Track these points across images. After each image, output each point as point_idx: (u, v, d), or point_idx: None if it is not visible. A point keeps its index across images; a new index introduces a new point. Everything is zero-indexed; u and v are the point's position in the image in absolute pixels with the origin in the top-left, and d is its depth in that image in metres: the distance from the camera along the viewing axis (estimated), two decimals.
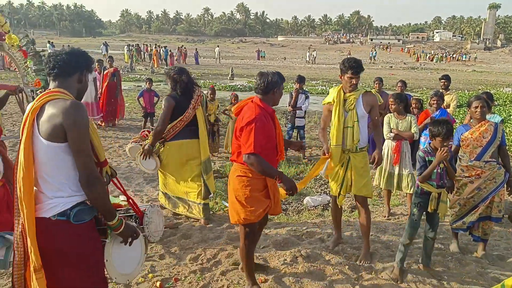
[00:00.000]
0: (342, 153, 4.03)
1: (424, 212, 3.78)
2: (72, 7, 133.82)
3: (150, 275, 3.60)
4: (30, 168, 2.07)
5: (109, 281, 2.45)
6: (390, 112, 5.41)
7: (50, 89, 2.17)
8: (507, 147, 4.34)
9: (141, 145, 4.82)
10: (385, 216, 5.35)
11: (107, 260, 2.28)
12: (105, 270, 2.30)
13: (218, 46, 45.62)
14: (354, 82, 3.94)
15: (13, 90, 4.25)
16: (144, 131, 5.29)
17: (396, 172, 5.23)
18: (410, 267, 3.92)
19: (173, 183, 4.89)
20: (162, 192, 5.07)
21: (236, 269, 3.78)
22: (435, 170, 3.63)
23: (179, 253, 4.06)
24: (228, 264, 3.86)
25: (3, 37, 4.79)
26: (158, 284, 3.44)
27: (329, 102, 4.11)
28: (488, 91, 5.73)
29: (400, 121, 5.27)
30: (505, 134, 10.53)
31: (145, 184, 6.18)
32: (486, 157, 4.07)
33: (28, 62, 5.36)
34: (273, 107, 3.35)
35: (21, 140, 2.10)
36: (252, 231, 3.36)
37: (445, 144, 3.61)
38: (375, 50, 54.03)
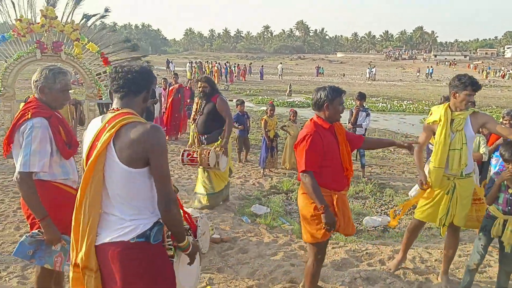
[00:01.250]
0: (446, 180, 3.68)
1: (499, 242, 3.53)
2: (140, 27, 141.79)
3: (209, 287, 3.65)
4: (99, 191, 2.05)
5: None
6: None
7: (118, 109, 2.12)
8: None
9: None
10: None
11: (176, 278, 2.29)
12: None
13: (281, 63, 46.62)
14: (472, 100, 3.66)
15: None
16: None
17: None
18: None
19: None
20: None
21: (293, 287, 3.74)
22: (503, 194, 3.40)
23: (237, 267, 4.09)
24: (285, 282, 3.83)
25: (61, 48, 4.56)
26: None
27: (435, 121, 3.73)
28: None
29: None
30: None
31: None
32: None
33: (108, 70, 5.11)
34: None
35: (88, 164, 2.05)
36: (320, 251, 3.28)
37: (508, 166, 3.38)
38: (432, 67, 51.80)
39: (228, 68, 35.96)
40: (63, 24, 4.51)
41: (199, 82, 5.68)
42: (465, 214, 3.73)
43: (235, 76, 36.26)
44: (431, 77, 47.43)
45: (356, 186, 7.20)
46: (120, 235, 2.04)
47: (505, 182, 3.40)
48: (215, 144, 5.53)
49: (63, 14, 4.86)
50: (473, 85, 3.56)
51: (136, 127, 2.02)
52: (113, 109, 2.15)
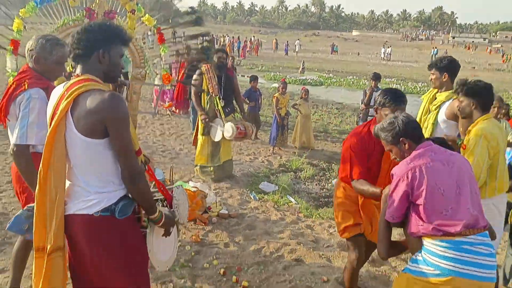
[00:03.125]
0: None
1: (510, 226, 3.52)
2: None
3: (215, 261, 3.70)
4: (62, 161, 1.96)
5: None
6: None
7: (79, 75, 2.00)
8: None
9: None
10: None
11: (149, 250, 2.25)
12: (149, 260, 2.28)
13: (298, 39, 46.41)
14: (431, 78, 3.74)
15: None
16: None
17: None
18: None
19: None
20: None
21: (298, 265, 3.77)
22: None
23: (243, 243, 4.13)
24: (291, 259, 3.86)
25: (113, 19, 3.78)
26: (222, 271, 3.53)
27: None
28: None
29: None
30: None
31: None
32: None
33: (162, 50, 4.31)
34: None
35: (48, 133, 1.95)
36: (355, 247, 3.09)
37: None
38: (436, 48, 50.44)
39: (241, 42, 35.52)
40: None
41: (219, 52, 5.77)
42: None
43: (248, 51, 35.85)
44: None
45: None
46: (85, 207, 1.97)
47: None
48: (234, 115, 5.79)
49: None
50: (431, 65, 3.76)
51: (94, 95, 1.90)
52: (75, 75, 2.03)
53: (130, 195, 2.07)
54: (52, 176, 1.95)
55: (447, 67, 3.65)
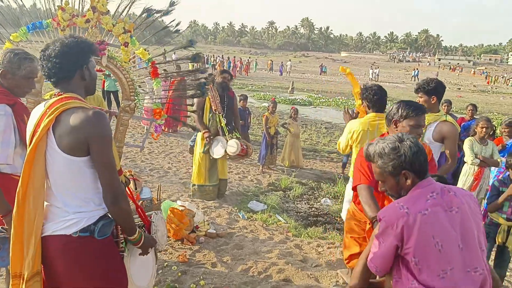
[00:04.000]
0: None
1: (497, 247, 3.55)
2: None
3: (202, 281, 3.64)
4: (41, 181, 1.91)
5: None
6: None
7: (61, 94, 1.95)
8: None
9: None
10: None
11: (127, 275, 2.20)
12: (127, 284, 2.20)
13: (290, 60, 47.37)
14: (419, 101, 3.71)
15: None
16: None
17: None
18: None
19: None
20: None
21: (286, 285, 3.72)
22: (508, 203, 3.41)
23: (231, 263, 4.07)
24: (279, 279, 3.82)
25: (104, 51, 3.67)
26: None
27: None
28: None
29: (484, 147, 4.99)
30: None
31: None
32: None
33: (154, 85, 4.21)
34: None
35: (28, 152, 1.90)
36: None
37: None
38: (417, 69, 51.46)
39: (231, 62, 35.86)
40: (113, 22, 3.71)
41: (224, 74, 5.97)
42: None
43: (238, 70, 36.16)
44: (418, 79, 47.07)
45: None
46: (63, 227, 1.91)
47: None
48: (233, 134, 5.74)
49: (118, 5, 3.82)
50: (419, 88, 3.75)
51: (77, 112, 1.86)
52: (57, 93, 1.98)
53: (110, 215, 2.02)
54: (32, 196, 1.89)
55: (435, 90, 3.71)
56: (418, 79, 46.83)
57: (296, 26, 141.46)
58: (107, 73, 11.54)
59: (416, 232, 1.70)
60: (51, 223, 1.93)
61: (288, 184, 7.06)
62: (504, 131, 5.39)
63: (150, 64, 4.01)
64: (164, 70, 4.73)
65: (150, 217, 2.52)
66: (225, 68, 34.27)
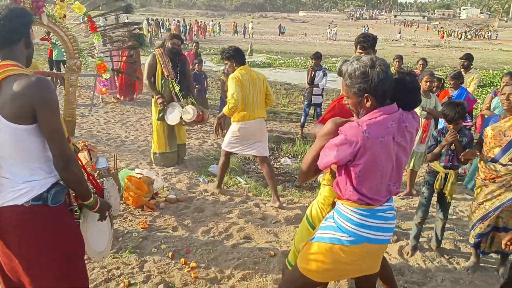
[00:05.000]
0: None
1: (437, 193, 3.78)
2: None
3: (163, 245, 3.69)
4: None
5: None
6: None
7: (1, 63, 1.89)
8: None
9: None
10: (400, 196, 5.29)
11: (85, 241, 2.21)
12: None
13: (251, 22, 46.97)
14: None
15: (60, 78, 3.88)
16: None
17: (422, 150, 5.14)
18: (422, 247, 3.93)
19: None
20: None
21: (247, 243, 3.84)
22: (445, 152, 3.62)
23: (192, 226, 4.14)
24: (239, 237, 3.93)
25: (42, 9, 3.58)
26: (170, 254, 3.54)
27: None
28: None
29: (428, 99, 5.19)
30: None
31: None
32: (505, 159, 3.25)
33: (94, 38, 4.19)
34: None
35: None
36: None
37: (455, 126, 3.58)
38: (367, 26, 52.10)
39: (188, 25, 34.89)
40: None
41: (174, 39, 5.73)
42: None
43: (194, 34, 35.27)
44: None
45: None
46: (13, 197, 1.87)
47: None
48: (188, 100, 5.63)
49: None
50: (360, 43, 3.46)
51: (20, 79, 1.81)
52: None
53: (62, 182, 2.00)
54: None
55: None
56: None
57: None
58: (55, 41, 10.99)
59: (369, 153, 1.95)
60: (1, 195, 1.89)
61: None
62: (450, 83, 5.62)
63: (87, 18, 3.95)
64: (110, 37, 4.62)
65: (102, 184, 2.51)
66: (181, 31, 33.38)
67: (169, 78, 5.53)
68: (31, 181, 1.90)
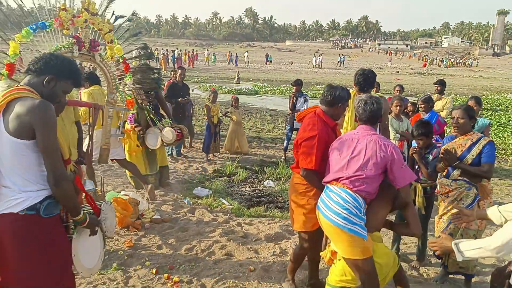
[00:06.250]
0: None
1: None
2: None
3: (148, 262, 3.85)
4: None
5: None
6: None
7: (18, 86, 2.20)
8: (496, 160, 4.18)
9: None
10: None
11: (74, 255, 2.38)
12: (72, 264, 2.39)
13: (247, 52, 50.12)
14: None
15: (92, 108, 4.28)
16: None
17: None
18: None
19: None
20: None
21: (228, 259, 4.01)
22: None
23: (176, 244, 4.31)
24: (221, 254, 4.10)
25: (97, 48, 3.99)
26: (154, 270, 3.69)
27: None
28: (477, 95, 5.86)
29: (401, 123, 5.53)
30: (504, 138, 10.72)
31: None
32: (455, 175, 3.60)
33: (127, 78, 4.61)
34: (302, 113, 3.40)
35: None
36: (309, 240, 3.33)
37: (420, 142, 3.91)
38: (343, 55, 53.34)
39: (176, 54, 35.54)
40: (103, 22, 4.05)
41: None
42: None
43: (184, 63, 35.88)
44: (344, 65, 48.37)
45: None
46: (10, 206, 2.10)
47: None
48: (164, 122, 5.89)
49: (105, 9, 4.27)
50: (358, 85, 4.15)
51: (26, 100, 2.08)
52: (18, 85, 2.24)
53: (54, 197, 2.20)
54: None
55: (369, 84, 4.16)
56: (344, 64, 48.41)
57: (240, 16, 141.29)
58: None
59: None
60: (1, 203, 2.11)
61: (232, 170, 7.33)
62: (421, 107, 5.96)
63: (122, 60, 4.36)
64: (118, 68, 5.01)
65: (100, 206, 2.72)
66: (168, 61, 33.96)
67: (143, 105, 5.76)
68: (27, 192, 2.12)
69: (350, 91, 4.24)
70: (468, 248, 2.23)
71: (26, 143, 2.08)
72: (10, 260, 2.12)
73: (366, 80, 4.09)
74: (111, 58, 4.28)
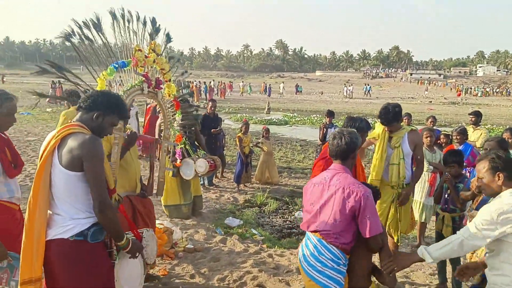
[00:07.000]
0: (390, 189, 4.20)
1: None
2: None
3: None
4: (47, 192, 2.31)
5: None
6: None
7: (71, 122, 2.42)
8: None
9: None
10: (412, 247, 5.43)
11: (116, 280, 2.54)
12: None
13: (283, 83, 51.04)
14: (387, 130, 4.24)
15: (152, 143, 4.76)
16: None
17: (431, 203, 5.37)
18: None
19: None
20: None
21: None
22: (444, 195, 3.92)
23: (208, 274, 4.37)
24: (253, 285, 4.13)
25: (161, 86, 4.19)
26: None
27: (374, 137, 4.32)
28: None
29: (433, 154, 5.51)
30: None
31: None
32: None
33: (177, 115, 4.90)
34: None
35: (38, 167, 2.31)
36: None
37: (451, 170, 3.90)
38: (369, 85, 53.10)
39: (208, 86, 36.48)
40: (166, 62, 4.34)
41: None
42: (408, 219, 4.19)
43: (215, 94, 36.73)
44: (370, 94, 48.47)
45: None
46: (61, 232, 2.30)
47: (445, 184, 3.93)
48: (198, 153, 6.01)
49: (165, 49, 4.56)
50: (380, 118, 4.21)
51: (77, 135, 2.30)
52: (71, 121, 2.45)
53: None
54: (40, 205, 2.28)
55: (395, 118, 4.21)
56: (370, 94, 48.21)
57: (270, 48, 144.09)
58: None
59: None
60: (53, 229, 2.31)
61: (263, 200, 7.39)
62: (455, 138, 5.90)
63: (174, 98, 4.62)
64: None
65: (142, 234, 2.91)
66: (201, 92, 34.87)
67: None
68: (76, 219, 2.32)
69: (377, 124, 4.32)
70: (436, 248, 2.41)
71: (77, 175, 2.28)
72: (59, 281, 2.30)
73: (387, 114, 4.16)
74: (168, 96, 4.52)
